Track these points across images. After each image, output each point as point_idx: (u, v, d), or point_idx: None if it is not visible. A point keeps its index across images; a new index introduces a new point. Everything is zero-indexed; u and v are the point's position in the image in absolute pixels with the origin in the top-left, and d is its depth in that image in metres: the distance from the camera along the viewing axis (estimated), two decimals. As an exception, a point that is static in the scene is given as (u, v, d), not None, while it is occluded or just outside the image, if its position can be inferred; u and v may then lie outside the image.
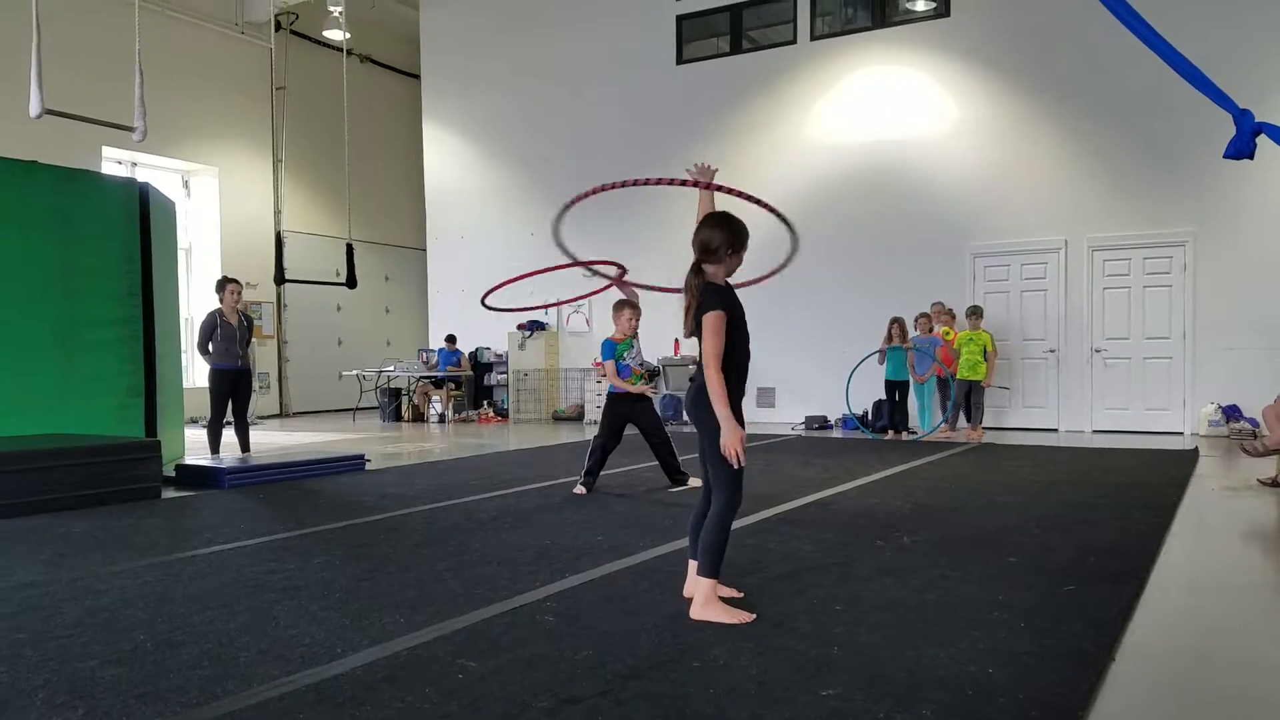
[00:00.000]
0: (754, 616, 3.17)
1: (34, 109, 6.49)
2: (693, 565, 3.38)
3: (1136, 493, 6.00)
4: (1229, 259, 9.92)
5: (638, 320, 6.39)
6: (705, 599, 3.21)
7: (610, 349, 6.37)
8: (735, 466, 3.16)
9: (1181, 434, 10.07)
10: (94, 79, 11.54)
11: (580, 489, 6.20)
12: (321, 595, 3.58)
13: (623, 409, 6.36)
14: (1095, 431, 10.50)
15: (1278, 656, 2.95)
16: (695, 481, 6.22)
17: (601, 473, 6.38)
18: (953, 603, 3.37)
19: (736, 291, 3.38)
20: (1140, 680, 2.66)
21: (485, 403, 14.34)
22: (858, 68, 11.87)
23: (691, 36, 13.14)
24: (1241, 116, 3.92)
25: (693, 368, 11.71)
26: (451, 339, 14.21)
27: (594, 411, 13.04)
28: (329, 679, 2.63)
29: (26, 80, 6.47)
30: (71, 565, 4.22)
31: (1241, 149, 3.93)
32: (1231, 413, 9.77)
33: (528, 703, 2.43)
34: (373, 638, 3.01)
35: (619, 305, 6.40)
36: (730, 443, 3.12)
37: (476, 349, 14.63)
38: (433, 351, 14.54)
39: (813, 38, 12.18)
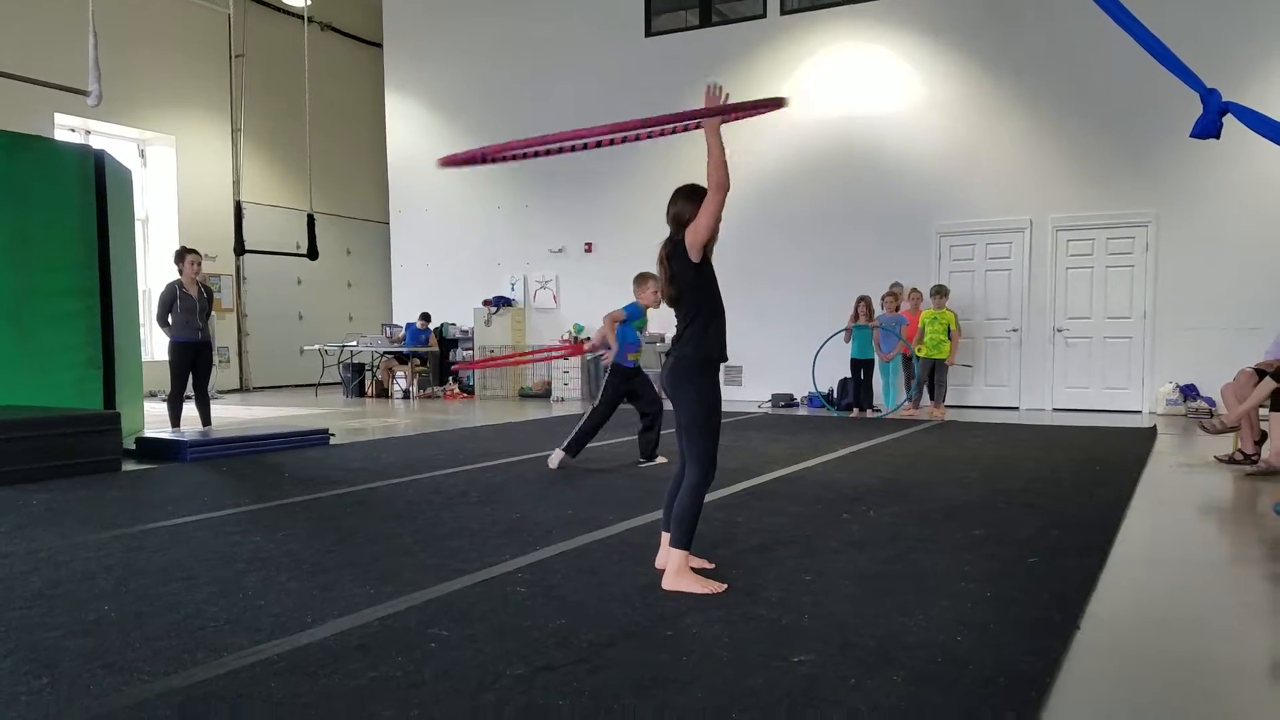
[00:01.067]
0: (725, 587, 3.19)
1: (-17, 71, 6.29)
2: (666, 537, 3.39)
3: (1097, 469, 6.12)
4: (1190, 240, 10.09)
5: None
6: (677, 570, 3.22)
7: (636, 311, 6.09)
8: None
9: (1139, 412, 10.27)
10: (46, 43, 11.18)
11: (557, 455, 6.12)
12: (289, 567, 3.54)
13: (625, 383, 6.22)
14: (1055, 410, 10.68)
15: (1235, 625, 3.03)
16: (663, 459, 6.24)
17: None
18: (920, 574, 3.42)
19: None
20: (1104, 648, 2.71)
21: (451, 379, 14.23)
22: (827, 43, 11.85)
23: (660, 9, 13.03)
24: (1208, 95, 3.94)
25: (665, 344, 11.71)
26: (426, 316, 14.03)
27: (561, 389, 13.00)
28: (300, 648, 2.60)
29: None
30: (31, 537, 4.13)
31: (1208, 128, 3.95)
32: (1189, 392, 9.97)
33: (502, 671, 2.43)
34: (343, 608, 2.99)
35: (642, 277, 5.99)
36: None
37: (442, 325, 14.48)
38: (398, 326, 14.37)
39: (782, 12, 12.13)
